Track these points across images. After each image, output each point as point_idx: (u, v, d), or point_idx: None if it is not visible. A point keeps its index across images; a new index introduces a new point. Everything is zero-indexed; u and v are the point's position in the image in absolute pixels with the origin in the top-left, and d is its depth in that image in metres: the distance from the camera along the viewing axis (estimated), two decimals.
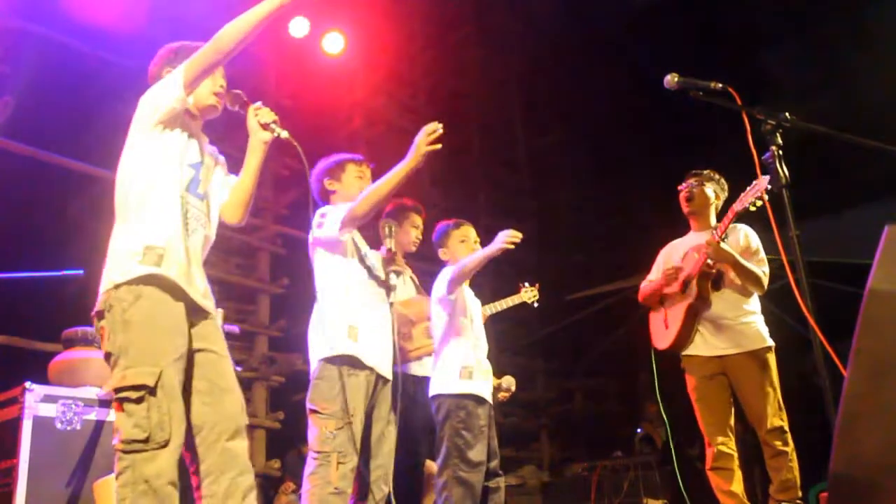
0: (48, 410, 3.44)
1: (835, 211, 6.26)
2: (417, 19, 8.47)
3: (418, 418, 3.72)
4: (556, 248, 8.84)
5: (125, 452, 2.14)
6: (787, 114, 2.37)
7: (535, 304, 4.23)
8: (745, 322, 3.82)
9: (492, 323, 3.91)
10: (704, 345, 3.87)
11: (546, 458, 9.24)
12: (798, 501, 3.62)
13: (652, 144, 8.27)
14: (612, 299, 7.75)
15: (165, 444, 2.13)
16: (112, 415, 3.65)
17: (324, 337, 2.97)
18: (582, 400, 9.87)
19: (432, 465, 4.02)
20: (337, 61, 6.76)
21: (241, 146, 2.61)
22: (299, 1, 2.38)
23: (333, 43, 6.59)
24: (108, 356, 2.23)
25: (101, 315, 2.26)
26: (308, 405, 2.96)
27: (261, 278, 6.91)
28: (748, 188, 3.51)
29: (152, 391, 2.15)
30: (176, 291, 2.29)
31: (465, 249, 3.80)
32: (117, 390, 2.18)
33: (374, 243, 3.46)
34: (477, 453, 3.48)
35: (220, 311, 2.54)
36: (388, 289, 3.21)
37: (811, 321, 2.21)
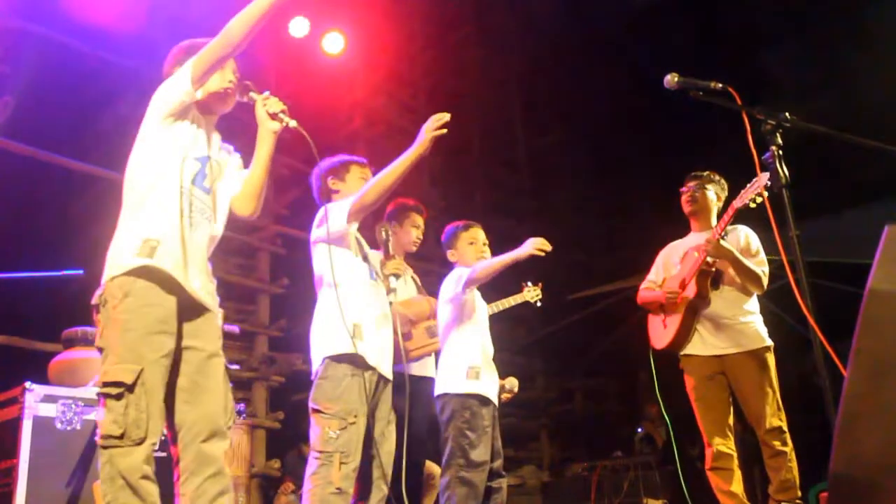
0: (48, 410, 3.44)
1: (835, 211, 6.25)
2: (417, 19, 8.47)
3: (419, 418, 3.72)
4: (556, 248, 8.83)
5: (104, 448, 2.17)
6: (787, 114, 2.37)
7: (539, 303, 4.21)
8: (745, 322, 3.83)
9: (492, 322, 3.91)
10: (703, 344, 3.87)
11: (546, 458, 9.24)
12: (798, 501, 3.62)
13: (652, 144, 8.27)
14: (612, 299, 7.75)
15: (141, 442, 2.15)
16: None
17: (328, 336, 2.96)
18: (582, 400, 9.87)
19: (432, 465, 4.03)
20: (337, 61, 6.76)
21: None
22: None
23: (333, 43, 6.59)
24: (100, 351, 2.26)
25: (97, 308, 2.30)
26: (311, 404, 2.96)
27: (261, 278, 6.91)
28: (748, 185, 3.51)
29: (131, 388, 2.16)
30: (169, 283, 2.29)
31: (474, 251, 3.81)
32: (101, 385, 2.21)
33: (374, 244, 3.46)
34: (480, 453, 3.50)
35: (221, 311, 2.53)
36: (388, 289, 3.22)
37: (811, 321, 2.21)
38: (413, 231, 3.99)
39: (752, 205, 3.48)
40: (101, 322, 2.27)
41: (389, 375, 3.11)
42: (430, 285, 4.23)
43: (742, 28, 8.00)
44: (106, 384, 2.19)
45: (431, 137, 2.97)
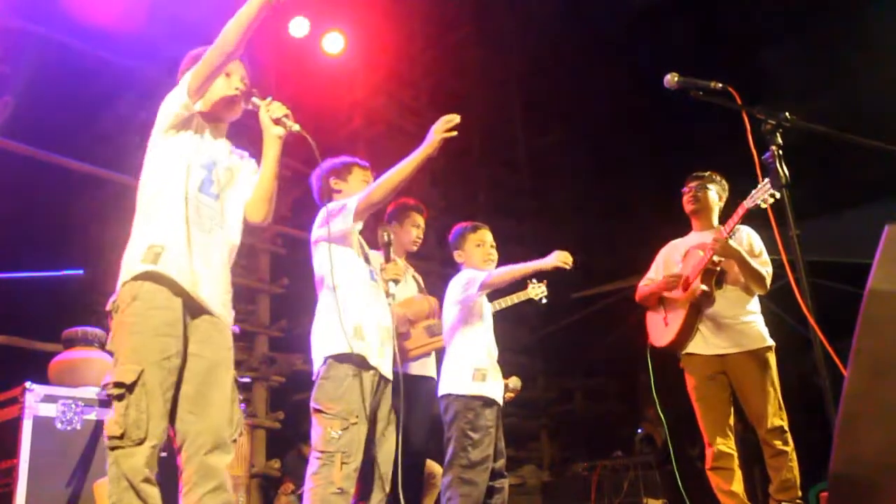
0: (48, 410, 3.44)
1: (835, 211, 6.25)
2: (417, 19, 8.47)
3: (419, 418, 3.73)
4: (556, 248, 8.82)
5: (110, 449, 2.20)
6: (787, 114, 2.37)
7: (544, 301, 4.18)
8: (746, 321, 3.83)
9: (493, 322, 3.91)
10: (705, 343, 3.87)
11: (546, 458, 9.24)
12: (798, 501, 3.62)
13: (652, 144, 8.26)
14: (612, 299, 7.75)
15: (141, 442, 2.17)
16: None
17: (329, 336, 2.96)
18: (582, 400, 9.87)
19: (433, 465, 4.03)
20: (337, 61, 6.76)
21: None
22: None
23: (333, 43, 6.59)
24: (111, 355, 2.31)
25: (110, 315, 2.37)
26: (312, 404, 2.96)
27: (261, 278, 6.91)
28: (759, 185, 3.47)
29: (131, 389, 2.19)
30: (175, 288, 2.31)
31: (481, 253, 3.82)
32: (104, 387, 2.25)
33: (373, 244, 3.46)
34: (482, 453, 3.51)
35: (231, 320, 2.55)
36: (387, 293, 3.23)
37: (811, 321, 2.21)
38: (413, 231, 3.99)
39: (763, 205, 3.45)
40: (113, 327, 2.33)
41: (389, 376, 3.12)
42: (430, 285, 4.22)
43: (742, 28, 8.00)
44: (109, 385, 2.23)
45: (440, 139, 2.96)
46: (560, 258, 3.66)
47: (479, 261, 3.81)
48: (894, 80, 5.98)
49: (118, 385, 2.20)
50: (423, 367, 3.88)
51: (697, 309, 3.87)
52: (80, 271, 3.84)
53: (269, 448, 6.48)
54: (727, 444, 3.76)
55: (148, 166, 2.49)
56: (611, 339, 8.32)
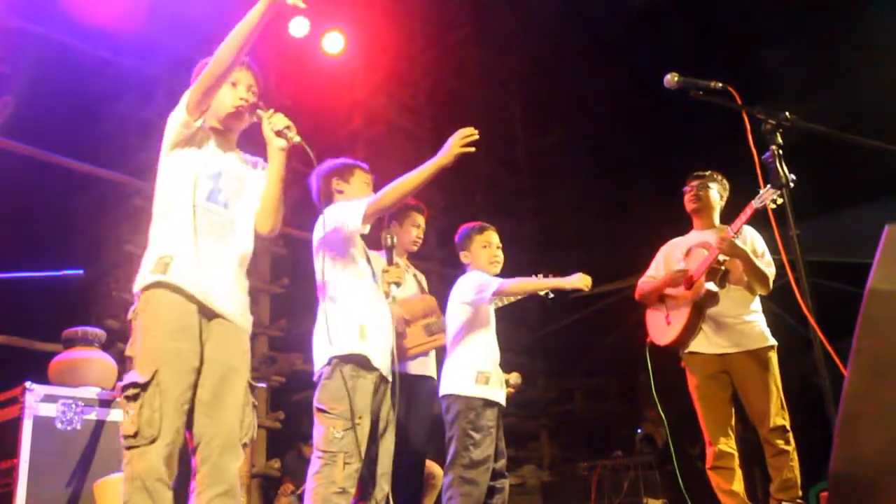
0: (48, 410, 3.44)
1: (835, 211, 6.26)
2: (417, 19, 8.47)
3: (418, 418, 3.73)
4: (556, 248, 8.83)
5: (126, 449, 2.22)
6: (787, 113, 2.37)
7: (551, 296, 4.15)
8: (748, 321, 3.83)
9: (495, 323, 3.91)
10: (707, 342, 3.87)
11: (546, 458, 9.23)
12: (798, 501, 3.62)
13: (652, 144, 8.26)
14: (612, 299, 7.75)
15: (154, 441, 2.19)
16: (112, 415, 3.66)
17: (333, 336, 2.96)
18: (582, 400, 9.86)
19: (433, 465, 4.03)
20: (337, 61, 6.76)
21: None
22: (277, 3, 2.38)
23: (333, 43, 6.59)
24: (129, 360, 2.35)
25: (131, 324, 2.41)
26: (315, 404, 2.96)
27: (261, 278, 6.90)
28: (767, 186, 3.45)
29: (144, 387, 2.22)
30: (184, 295, 2.36)
31: (488, 255, 3.81)
32: (122, 389, 2.28)
33: (372, 245, 3.46)
34: (483, 453, 3.52)
35: (248, 325, 2.57)
36: (387, 294, 3.23)
37: (811, 321, 2.21)
38: (413, 230, 3.99)
39: (773, 205, 3.42)
40: (132, 334, 2.37)
41: (390, 377, 3.12)
42: (430, 285, 4.23)
43: (742, 28, 8.00)
44: (125, 387, 2.26)
45: (457, 153, 2.94)
46: (582, 281, 3.65)
47: (486, 262, 3.80)
48: (894, 80, 5.98)
49: (132, 385, 2.24)
50: (423, 367, 3.88)
51: (701, 308, 3.87)
52: (80, 271, 3.84)
53: (269, 448, 6.48)
54: (728, 444, 3.76)
55: (159, 179, 2.54)
56: (611, 339, 8.32)
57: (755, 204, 3.55)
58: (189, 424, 2.33)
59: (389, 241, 3.42)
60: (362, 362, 2.96)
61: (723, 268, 3.82)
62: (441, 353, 3.93)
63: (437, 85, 8.84)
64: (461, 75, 9.08)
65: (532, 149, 10.03)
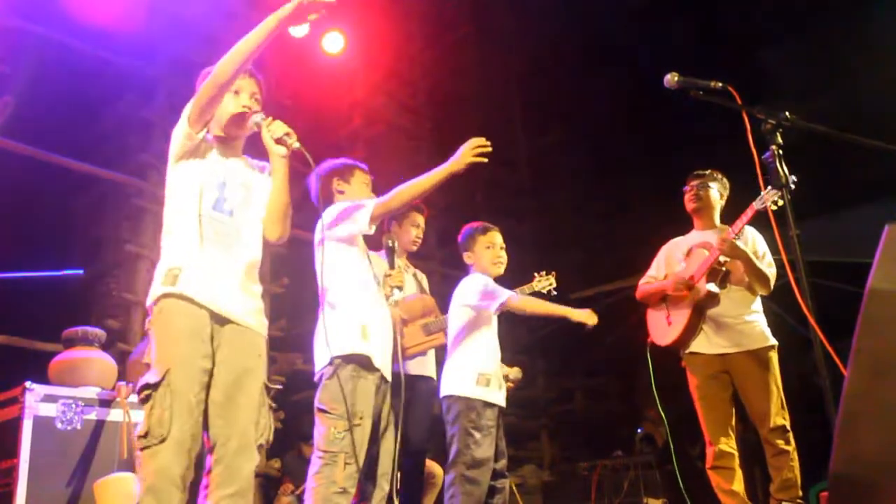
0: (48, 410, 3.44)
1: (835, 211, 6.26)
2: (417, 19, 8.47)
3: (418, 417, 3.73)
4: (556, 248, 8.83)
5: (140, 450, 2.24)
6: (786, 113, 2.37)
7: (553, 293, 4.13)
8: (748, 321, 3.83)
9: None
10: (707, 343, 3.87)
11: (546, 458, 9.23)
12: (799, 500, 3.62)
13: (652, 144, 8.26)
14: (612, 299, 7.74)
15: (164, 440, 2.20)
16: (113, 415, 3.66)
17: (335, 336, 2.96)
18: (582, 399, 9.86)
19: (432, 465, 4.03)
20: (337, 61, 6.76)
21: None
22: (289, 17, 2.42)
23: (333, 43, 6.59)
24: (146, 366, 2.38)
25: (147, 333, 2.45)
26: (317, 405, 2.97)
27: (261, 278, 6.88)
28: (768, 187, 3.45)
29: (156, 387, 2.24)
30: (194, 304, 2.38)
31: (491, 256, 3.80)
32: (138, 393, 2.30)
33: (371, 246, 3.46)
34: (485, 453, 3.52)
35: (264, 328, 2.59)
36: (388, 296, 3.23)
37: (811, 320, 2.21)
38: (413, 230, 4.00)
39: (774, 207, 3.43)
40: (149, 342, 2.40)
41: (390, 377, 3.13)
42: (432, 284, 4.23)
43: (742, 28, 8.00)
44: (139, 390, 2.29)
45: (469, 161, 3.00)
46: (590, 317, 3.65)
47: (489, 263, 3.80)
48: (894, 80, 5.98)
49: (146, 387, 2.26)
50: (421, 367, 3.88)
51: (701, 309, 3.87)
52: (80, 271, 3.84)
53: (269, 448, 6.46)
54: (728, 444, 3.76)
55: (167, 190, 2.56)
56: (611, 339, 8.31)
57: (756, 205, 3.55)
58: (205, 426, 2.35)
59: (390, 243, 3.42)
60: (364, 363, 2.96)
61: (723, 269, 3.82)
62: (440, 353, 3.93)
63: (437, 85, 8.84)
64: (461, 75, 9.07)
65: (532, 149, 10.02)
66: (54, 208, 5.89)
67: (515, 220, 9.26)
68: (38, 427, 3.38)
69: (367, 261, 3.20)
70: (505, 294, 3.65)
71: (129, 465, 3.44)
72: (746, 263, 3.76)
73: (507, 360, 3.91)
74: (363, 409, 2.91)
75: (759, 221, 3.64)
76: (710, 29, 8.09)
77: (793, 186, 2.37)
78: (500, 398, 3.69)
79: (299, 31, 6.36)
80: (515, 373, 3.93)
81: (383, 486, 3.03)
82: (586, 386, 9.87)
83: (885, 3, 6.39)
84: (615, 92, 8.18)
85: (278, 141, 2.55)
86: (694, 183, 4.05)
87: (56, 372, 3.77)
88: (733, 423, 3.83)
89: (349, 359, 2.95)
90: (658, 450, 7.05)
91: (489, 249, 3.82)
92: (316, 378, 3.04)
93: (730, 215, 3.88)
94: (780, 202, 3.29)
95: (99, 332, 3.98)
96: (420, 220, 4.02)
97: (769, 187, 3.39)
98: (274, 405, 2.56)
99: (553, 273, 4.13)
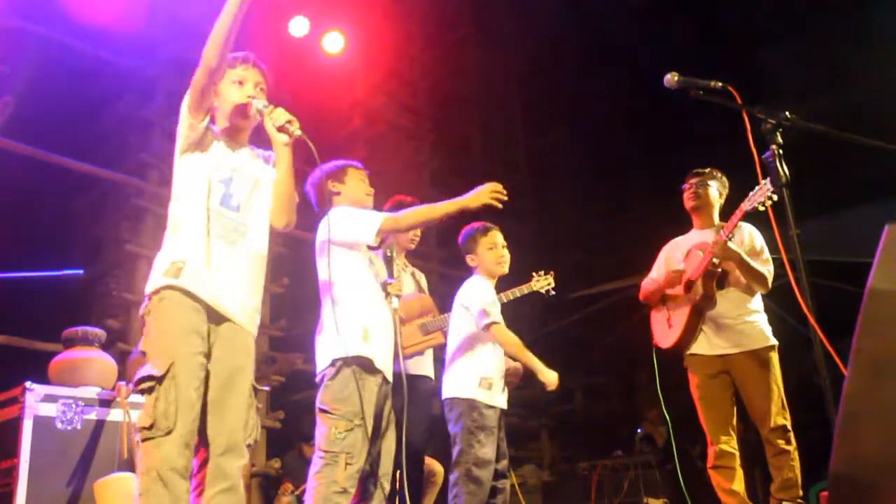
0: (49, 410, 3.44)
1: (835, 210, 6.25)
2: (417, 19, 8.46)
3: (416, 417, 3.73)
4: (556, 248, 8.83)
5: (141, 441, 2.25)
6: (786, 113, 2.37)
7: (552, 293, 4.11)
8: (748, 321, 3.83)
9: None
10: (708, 344, 3.87)
11: (546, 458, 9.23)
12: (799, 500, 3.62)
13: (652, 144, 8.26)
14: (612, 299, 7.74)
15: (169, 432, 2.22)
16: (113, 415, 3.66)
17: (338, 338, 2.96)
18: (582, 399, 9.86)
19: (432, 464, 4.04)
20: (337, 61, 6.77)
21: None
22: None
23: (333, 43, 6.59)
24: (142, 354, 2.39)
25: (143, 320, 2.45)
26: (318, 405, 2.97)
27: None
28: (757, 187, 3.48)
29: (160, 380, 2.25)
30: (194, 298, 2.39)
31: (493, 256, 3.79)
32: (136, 383, 2.30)
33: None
34: (488, 452, 3.54)
35: (255, 327, 2.59)
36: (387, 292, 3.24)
37: (811, 320, 2.21)
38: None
39: (761, 208, 3.45)
40: (145, 330, 2.41)
41: (391, 378, 3.13)
42: (431, 284, 4.23)
43: (742, 28, 8.00)
44: (140, 380, 2.29)
45: (485, 202, 3.11)
46: (553, 383, 3.65)
47: (493, 264, 3.79)
48: (894, 80, 5.98)
49: (148, 378, 2.27)
50: (420, 366, 3.88)
51: (699, 311, 3.87)
52: (80, 271, 3.85)
53: (269, 448, 6.48)
54: (729, 443, 3.76)
55: (174, 184, 2.56)
56: (611, 339, 8.32)
57: (745, 206, 3.56)
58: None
59: (388, 253, 3.42)
60: (365, 365, 2.98)
61: (719, 270, 3.82)
62: (438, 352, 3.93)
63: (437, 85, 8.84)
64: (461, 75, 9.07)
65: (532, 149, 10.02)
66: (54, 208, 5.89)
67: (515, 220, 9.25)
68: (39, 427, 3.38)
69: (369, 262, 3.21)
70: (493, 318, 3.62)
71: (130, 465, 3.44)
72: (740, 264, 3.76)
73: (507, 360, 3.91)
74: (364, 409, 2.92)
75: (760, 221, 3.64)
76: (710, 29, 8.09)
77: (786, 184, 2.36)
78: (501, 401, 3.70)
79: (299, 30, 6.38)
80: (517, 366, 3.91)
81: (384, 486, 3.03)
82: (586, 386, 9.87)
83: (885, 3, 6.39)
84: (615, 92, 8.18)
85: (280, 129, 2.55)
86: (693, 181, 4.04)
87: (56, 372, 3.77)
88: (734, 422, 3.83)
89: (351, 361, 2.96)
90: (658, 449, 7.05)
91: (492, 250, 3.80)
92: (317, 378, 3.04)
93: (729, 214, 3.88)
94: (768, 203, 3.32)
95: (99, 332, 3.98)
96: None
97: (757, 186, 3.42)
98: (260, 405, 2.55)
99: (551, 273, 4.13)
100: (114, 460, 3.56)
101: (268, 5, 6.31)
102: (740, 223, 3.86)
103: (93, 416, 3.58)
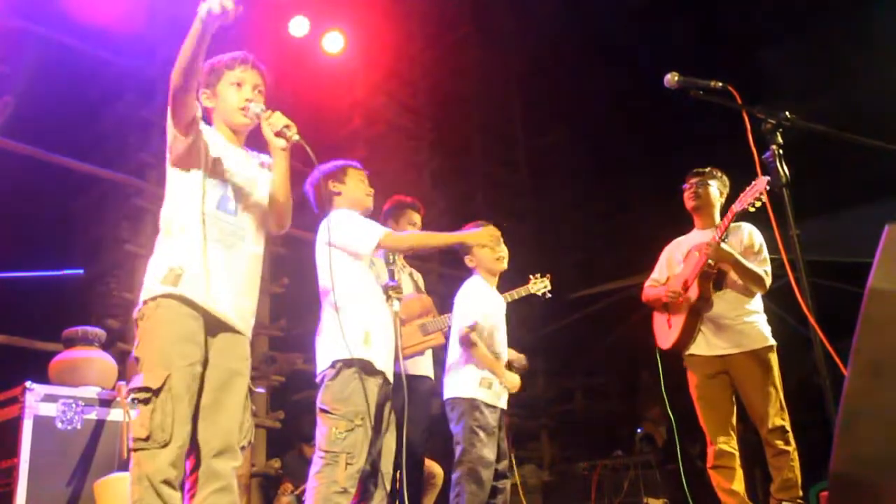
0: (49, 410, 3.44)
1: (835, 210, 6.25)
2: (417, 19, 8.46)
3: (415, 417, 3.73)
4: (556, 248, 8.83)
5: (133, 450, 2.24)
6: (786, 113, 2.37)
7: (548, 295, 4.13)
8: (747, 322, 3.82)
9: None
10: (706, 345, 3.87)
11: (546, 458, 9.23)
12: (799, 500, 3.62)
13: (652, 144, 8.26)
14: (612, 298, 7.74)
15: (166, 445, 2.21)
16: (113, 414, 3.66)
17: (339, 340, 2.97)
18: (582, 399, 9.86)
19: (431, 465, 4.04)
20: (337, 61, 6.76)
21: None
22: (207, 18, 2.29)
23: (333, 42, 6.59)
24: (136, 360, 2.36)
25: (136, 323, 2.42)
26: (319, 405, 2.98)
27: (261, 278, 6.89)
28: (747, 188, 3.51)
29: (157, 393, 2.23)
30: (193, 306, 2.37)
31: (490, 255, 3.80)
32: (130, 392, 2.30)
33: None
34: (489, 452, 3.55)
35: (248, 333, 2.58)
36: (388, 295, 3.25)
37: (811, 320, 2.21)
38: (409, 229, 3.99)
39: (752, 209, 3.48)
40: (138, 335, 2.39)
41: (391, 378, 3.14)
42: (430, 284, 4.23)
43: (742, 28, 8.00)
44: (136, 390, 2.28)
45: (482, 244, 3.36)
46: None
47: (491, 262, 3.81)
48: (894, 80, 5.98)
49: (145, 390, 2.25)
50: (419, 367, 3.88)
51: (697, 312, 3.87)
52: (80, 271, 3.85)
53: (269, 448, 6.48)
54: (729, 443, 3.76)
55: (167, 186, 2.53)
56: (611, 339, 8.32)
57: (735, 207, 3.57)
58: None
59: (391, 258, 3.43)
60: (366, 366, 2.99)
61: (715, 271, 3.82)
62: (438, 352, 3.93)
63: (437, 85, 8.83)
64: (461, 75, 9.07)
65: (532, 149, 10.02)
66: (54, 208, 5.89)
67: (515, 220, 9.26)
68: (39, 427, 3.38)
69: (370, 264, 3.22)
70: (473, 329, 3.65)
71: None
72: (734, 266, 3.76)
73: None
74: (364, 410, 2.93)
75: (760, 221, 3.64)
76: (710, 29, 8.09)
77: (784, 181, 2.35)
78: (502, 401, 3.71)
79: (299, 30, 6.38)
80: (520, 360, 3.93)
81: (384, 486, 3.03)
82: (586, 386, 9.87)
83: (885, 3, 6.39)
84: (615, 92, 8.18)
85: (278, 133, 2.53)
86: (693, 181, 4.04)
87: (56, 372, 3.77)
88: (734, 422, 3.83)
89: (352, 362, 2.97)
90: (658, 449, 7.05)
91: (489, 248, 3.82)
92: (318, 379, 3.05)
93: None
94: (758, 204, 3.33)
95: (99, 332, 3.98)
96: (417, 218, 4.02)
97: (748, 188, 3.44)
98: (254, 407, 2.54)
99: (548, 276, 4.15)
100: (114, 460, 3.56)
101: (268, 5, 6.32)
102: (739, 223, 3.86)
103: (93, 415, 3.58)
